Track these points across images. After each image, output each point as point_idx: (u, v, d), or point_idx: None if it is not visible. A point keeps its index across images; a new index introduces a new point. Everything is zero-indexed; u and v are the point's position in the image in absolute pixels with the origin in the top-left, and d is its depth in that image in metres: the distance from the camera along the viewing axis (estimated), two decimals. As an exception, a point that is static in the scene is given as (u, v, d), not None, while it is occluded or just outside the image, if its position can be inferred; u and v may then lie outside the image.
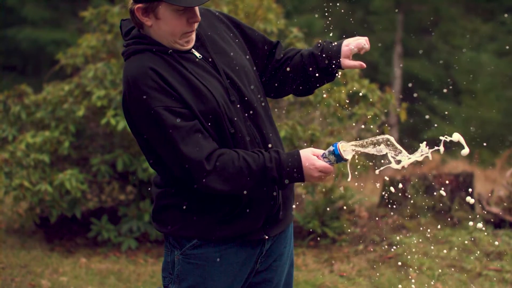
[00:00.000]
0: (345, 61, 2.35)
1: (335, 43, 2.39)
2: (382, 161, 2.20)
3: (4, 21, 14.29)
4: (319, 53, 2.37)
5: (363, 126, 6.14)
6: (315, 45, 2.43)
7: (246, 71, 2.33)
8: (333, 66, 2.36)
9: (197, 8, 2.20)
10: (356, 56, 2.44)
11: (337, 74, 2.43)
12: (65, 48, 7.15)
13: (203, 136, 2.16)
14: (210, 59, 2.27)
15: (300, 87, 2.47)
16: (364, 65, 2.36)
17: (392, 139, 2.15)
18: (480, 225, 2.47)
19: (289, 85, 2.47)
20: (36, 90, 6.48)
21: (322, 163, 2.18)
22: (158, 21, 2.18)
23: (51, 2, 14.91)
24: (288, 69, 2.44)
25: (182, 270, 2.31)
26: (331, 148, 2.18)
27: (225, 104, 2.21)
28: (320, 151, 2.20)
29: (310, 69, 2.39)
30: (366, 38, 2.36)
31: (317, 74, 2.39)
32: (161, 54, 2.20)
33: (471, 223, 2.72)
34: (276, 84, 2.49)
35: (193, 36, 2.25)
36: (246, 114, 2.28)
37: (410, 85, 15.78)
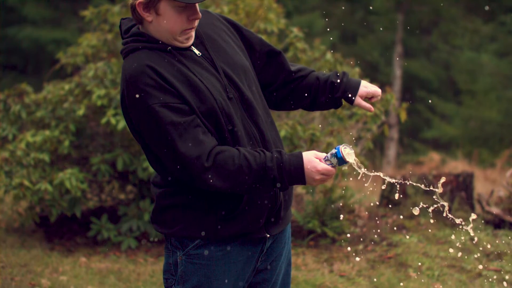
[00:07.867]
0: (358, 99, 2.50)
1: (354, 80, 2.51)
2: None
3: (4, 20, 14.28)
4: (338, 82, 2.48)
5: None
6: (333, 74, 2.52)
7: (245, 70, 2.34)
8: (346, 99, 2.50)
9: (197, 5, 2.21)
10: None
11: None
12: (65, 47, 7.15)
13: (202, 131, 2.16)
14: (208, 57, 2.28)
15: (304, 106, 2.57)
16: (373, 109, 2.52)
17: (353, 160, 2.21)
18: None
19: (295, 102, 2.56)
20: (37, 89, 6.49)
21: (324, 166, 2.18)
22: (158, 17, 2.19)
23: (52, 1, 14.91)
24: (301, 86, 2.53)
25: (186, 271, 2.30)
26: (334, 150, 2.18)
27: (223, 101, 2.21)
28: (323, 154, 2.21)
29: (323, 93, 2.50)
30: (380, 90, 2.54)
31: (327, 101, 2.52)
32: (159, 51, 2.21)
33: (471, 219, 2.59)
34: (282, 97, 2.55)
35: (193, 33, 2.26)
36: (245, 112, 2.28)
37: (410, 85, 15.78)
